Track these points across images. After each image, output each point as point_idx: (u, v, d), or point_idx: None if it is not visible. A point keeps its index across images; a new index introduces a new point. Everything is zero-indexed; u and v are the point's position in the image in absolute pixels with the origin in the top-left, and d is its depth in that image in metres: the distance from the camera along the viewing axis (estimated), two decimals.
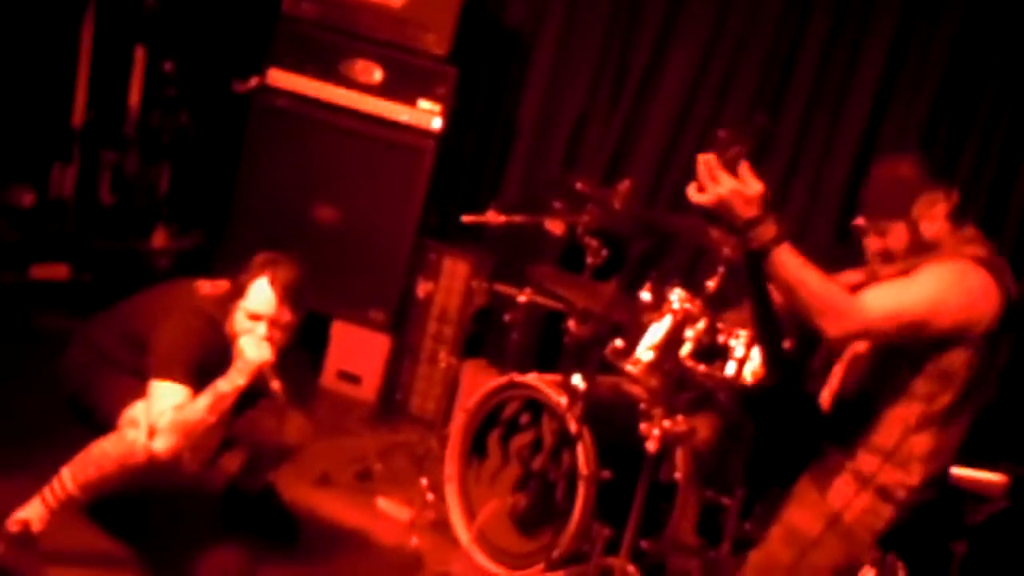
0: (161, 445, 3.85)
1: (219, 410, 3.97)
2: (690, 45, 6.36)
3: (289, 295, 4.08)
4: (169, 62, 6.79)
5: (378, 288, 6.33)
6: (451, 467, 4.99)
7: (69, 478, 3.90)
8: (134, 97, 6.89)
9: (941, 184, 3.49)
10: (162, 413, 3.87)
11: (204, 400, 3.93)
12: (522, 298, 5.33)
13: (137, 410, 3.92)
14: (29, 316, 6.07)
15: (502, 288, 5.72)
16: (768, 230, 3.20)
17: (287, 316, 4.10)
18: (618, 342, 4.34)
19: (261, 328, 4.05)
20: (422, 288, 6.31)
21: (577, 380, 4.52)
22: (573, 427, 4.51)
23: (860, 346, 3.65)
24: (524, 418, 4.93)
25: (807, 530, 3.59)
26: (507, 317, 5.45)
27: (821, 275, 3.25)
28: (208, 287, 4.23)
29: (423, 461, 5.43)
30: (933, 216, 3.47)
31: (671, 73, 6.41)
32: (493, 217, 5.19)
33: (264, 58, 6.36)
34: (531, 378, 4.79)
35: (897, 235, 3.50)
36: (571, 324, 4.99)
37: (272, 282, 4.06)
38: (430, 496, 5.12)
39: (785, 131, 6.12)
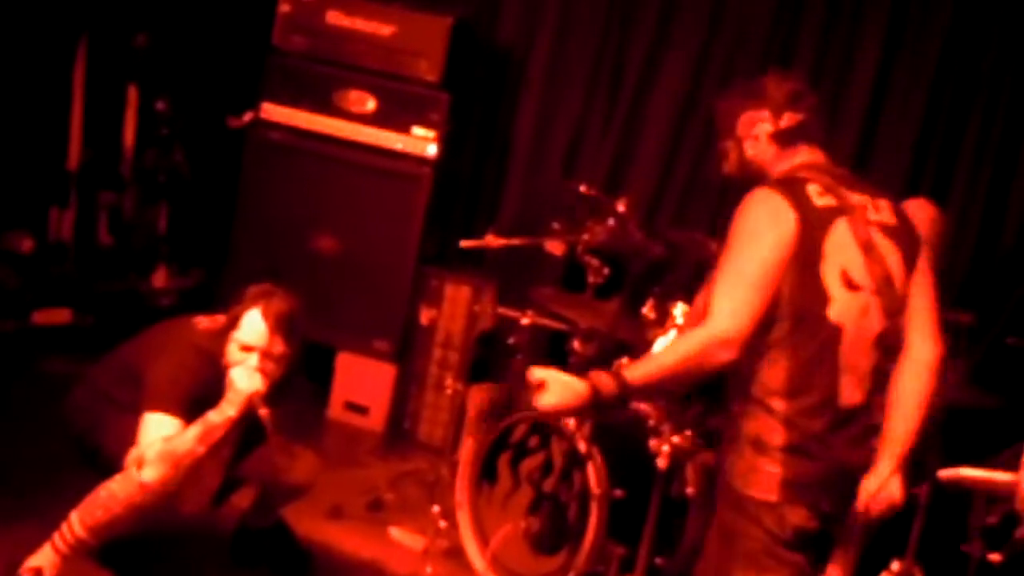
0: (149, 475, 3.84)
1: (209, 441, 3.96)
2: (683, 57, 6.36)
3: (281, 326, 4.07)
4: (162, 101, 6.79)
5: (381, 317, 6.32)
6: (462, 493, 4.98)
7: (78, 522, 3.89)
8: (128, 137, 6.90)
9: (766, 104, 3.39)
10: (151, 444, 3.86)
11: (194, 431, 3.92)
12: (525, 320, 5.32)
13: (143, 448, 3.92)
14: (33, 361, 6.06)
15: (505, 311, 5.71)
16: (608, 389, 3.10)
17: (279, 347, 4.08)
18: (624, 360, 4.33)
19: (253, 359, 4.04)
20: (425, 315, 6.30)
21: None
22: (582, 447, 4.50)
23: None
24: (533, 441, 4.92)
25: (727, 522, 3.36)
26: (511, 340, 5.44)
27: (671, 348, 3.23)
28: (206, 322, 4.23)
29: (434, 489, 5.41)
30: (756, 136, 3.40)
31: (665, 86, 6.42)
32: (492, 241, 5.17)
33: (257, 93, 6.38)
34: None
35: (731, 157, 3.47)
36: (576, 344, 4.98)
37: (264, 314, 4.06)
38: (443, 523, 5.09)
39: None
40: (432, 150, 6.20)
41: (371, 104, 6.25)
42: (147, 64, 6.78)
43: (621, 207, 4.97)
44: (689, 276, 6.03)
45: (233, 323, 4.10)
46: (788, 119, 3.37)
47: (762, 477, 3.21)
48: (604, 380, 3.09)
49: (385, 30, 6.25)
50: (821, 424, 3.20)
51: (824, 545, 3.42)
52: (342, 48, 6.31)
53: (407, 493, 5.60)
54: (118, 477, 3.90)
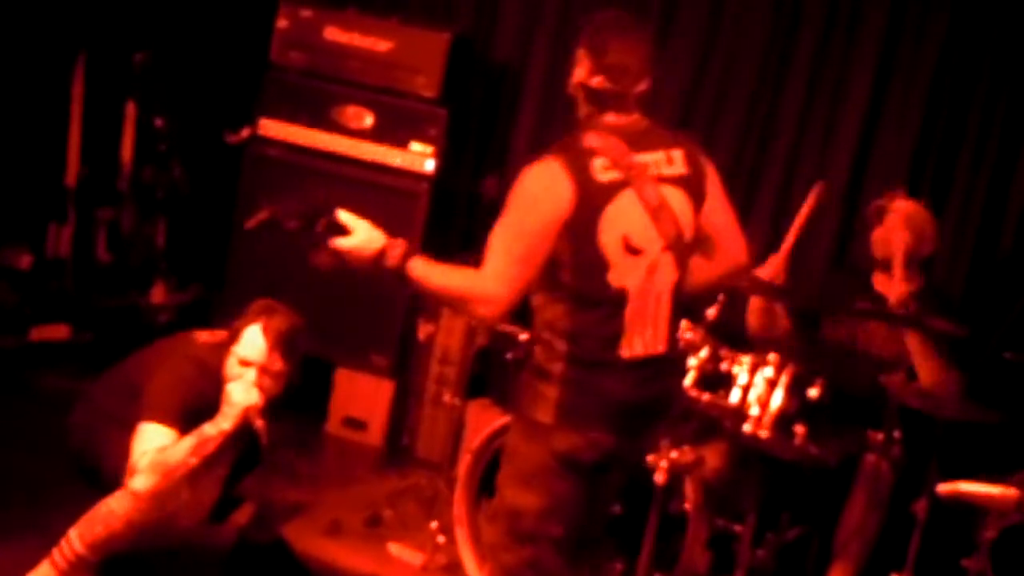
0: (139, 484, 3.85)
1: (203, 453, 3.97)
2: (678, 71, 6.36)
3: (280, 343, 4.10)
4: (160, 117, 6.79)
5: (379, 333, 6.32)
6: (461, 509, 4.97)
7: (77, 538, 3.89)
8: (127, 153, 6.90)
9: (592, 56, 3.45)
10: (144, 453, 3.87)
11: (187, 442, 3.94)
12: (523, 336, 5.32)
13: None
14: (31, 378, 6.06)
15: (503, 327, 5.70)
16: (394, 256, 3.46)
17: (277, 364, 4.11)
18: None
19: (250, 374, 4.06)
20: (423, 330, 6.30)
21: None
22: None
23: None
24: None
25: (511, 445, 3.56)
26: (509, 355, 5.43)
27: (447, 271, 3.40)
28: (206, 336, 4.25)
29: (433, 504, 5.41)
30: (575, 76, 3.49)
31: (660, 100, 6.41)
32: None
33: (255, 108, 6.39)
34: None
35: (572, 74, 3.52)
36: None
37: (264, 330, 4.09)
38: (441, 539, 5.09)
39: (777, 153, 6.15)
40: (430, 165, 6.21)
41: (369, 120, 6.26)
42: (145, 80, 6.78)
43: None
44: None
45: (234, 337, 4.13)
46: (599, 82, 3.43)
47: (541, 402, 3.39)
48: (394, 252, 3.45)
49: (383, 46, 6.27)
50: (602, 368, 3.39)
51: (608, 479, 3.60)
52: (340, 64, 6.32)
53: (406, 509, 5.58)
54: (117, 494, 3.90)
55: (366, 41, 6.31)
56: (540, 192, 3.32)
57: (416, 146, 6.21)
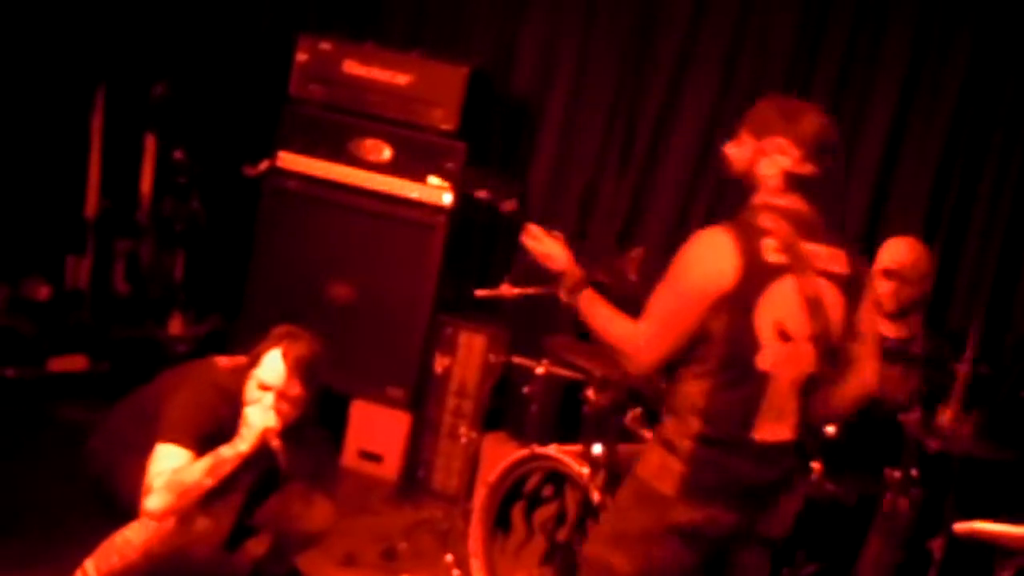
0: (153, 504, 3.85)
1: (218, 475, 3.97)
2: (697, 105, 6.38)
3: (300, 369, 4.10)
4: (179, 150, 6.82)
5: (396, 365, 6.32)
6: (476, 542, 4.97)
7: (93, 569, 3.90)
8: (146, 186, 6.93)
9: (801, 145, 3.41)
10: (159, 474, 3.87)
11: (204, 463, 3.93)
12: (540, 369, 5.32)
13: None
14: (49, 408, 6.07)
15: (519, 360, 5.71)
16: (569, 281, 3.55)
17: (296, 390, 4.11)
18: (637, 409, 4.33)
19: (268, 398, 4.06)
20: (439, 363, 6.30)
21: (598, 449, 4.51)
22: (596, 497, 4.49)
23: None
24: (547, 490, 4.92)
25: (621, 502, 3.58)
26: (526, 389, 5.43)
27: (611, 317, 3.43)
28: (225, 361, 4.25)
29: (448, 537, 5.40)
30: (774, 162, 3.44)
31: (680, 133, 6.44)
32: (507, 290, 5.19)
33: (273, 141, 6.41)
34: (552, 449, 4.77)
35: (744, 150, 3.51)
36: (590, 393, 4.97)
37: (285, 354, 4.09)
38: (456, 573, 5.09)
39: None
40: (448, 199, 6.22)
41: (387, 153, 6.28)
42: (164, 113, 6.82)
43: (635, 257, 4.99)
44: None
45: (254, 361, 4.13)
46: (807, 169, 3.42)
47: (665, 474, 3.39)
48: (571, 280, 3.55)
49: (401, 79, 6.29)
50: (731, 449, 3.39)
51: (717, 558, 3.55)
52: (358, 97, 6.34)
53: (421, 542, 5.58)
54: (134, 524, 3.91)
55: (385, 74, 6.33)
56: (705, 260, 3.32)
57: (434, 179, 6.22)
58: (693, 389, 3.38)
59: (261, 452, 4.08)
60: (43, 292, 6.51)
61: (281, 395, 4.08)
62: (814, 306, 3.36)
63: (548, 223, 6.55)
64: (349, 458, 6.42)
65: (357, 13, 7.03)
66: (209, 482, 3.95)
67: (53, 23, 6.46)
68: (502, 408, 6.35)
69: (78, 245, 6.74)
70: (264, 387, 4.08)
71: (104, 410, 4.40)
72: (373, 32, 6.75)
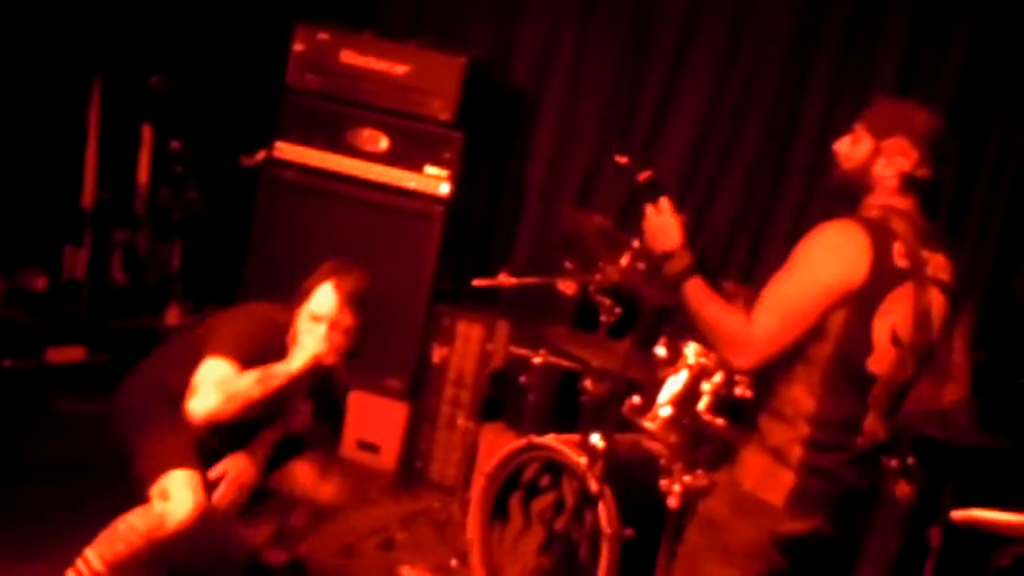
0: (199, 404, 3.88)
1: (267, 388, 3.97)
2: (695, 93, 6.40)
3: (351, 300, 4.18)
4: (176, 140, 6.81)
5: (393, 356, 6.32)
6: (473, 532, 4.97)
7: (96, 557, 3.89)
8: (143, 176, 6.92)
9: (921, 145, 3.39)
10: (206, 380, 3.91)
11: (253, 374, 3.96)
12: (537, 359, 5.32)
13: (168, 480, 3.92)
14: (47, 399, 6.07)
15: (517, 350, 5.71)
16: (678, 263, 3.38)
17: (348, 320, 4.17)
18: (635, 399, 4.33)
19: (321, 329, 4.11)
20: (437, 353, 6.31)
21: (596, 439, 4.51)
22: (594, 486, 4.49)
23: None
24: (544, 480, 4.91)
25: (717, 514, 3.45)
26: (523, 379, 5.44)
27: (722, 307, 3.31)
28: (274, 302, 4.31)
29: (446, 527, 5.41)
30: (892, 163, 3.40)
31: (677, 125, 6.46)
32: (505, 280, 5.20)
33: (270, 131, 6.40)
34: (549, 439, 4.77)
35: (860, 149, 3.46)
36: (587, 383, 4.98)
37: (336, 286, 4.18)
38: (454, 562, 5.09)
39: (795, 169, 6.17)
40: (445, 189, 6.22)
41: (384, 143, 6.27)
42: (161, 103, 6.81)
43: (636, 244, 5.00)
44: None
45: (305, 295, 4.19)
46: (923, 172, 3.39)
47: (773, 483, 3.30)
48: (681, 261, 3.38)
49: (399, 69, 6.28)
50: (840, 453, 3.30)
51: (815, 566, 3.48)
52: (355, 87, 6.34)
53: (419, 532, 5.59)
54: (139, 510, 3.90)
55: (382, 64, 6.32)
56: (839, 253, 3.25)
57: (431, 169, 6.22)
58: (800, 390, 3.31)
59: (306, 382, 4.15)
60: (40, 283, 6.51)
61: (334, 325, 4.14)
62: (924, 316, 3.32)
63: (545, 213, 6.69)
64: (347, 449, 6.42)
65: (355, 3, 7.04)
66: (256, 392, 3.95)
67: (50, 15, 6.45)
68: (500, 398, 6.35)
69: (75, 236, 6.73)
70: (316, 318, 4.13)
71: (102, 401, 4.39)
72: (371, 22, 6.74)
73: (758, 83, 6.28)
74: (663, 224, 3.48)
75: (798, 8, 6.16)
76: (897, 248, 3.26)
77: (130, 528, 3.88)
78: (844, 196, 3.47)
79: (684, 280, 3.35)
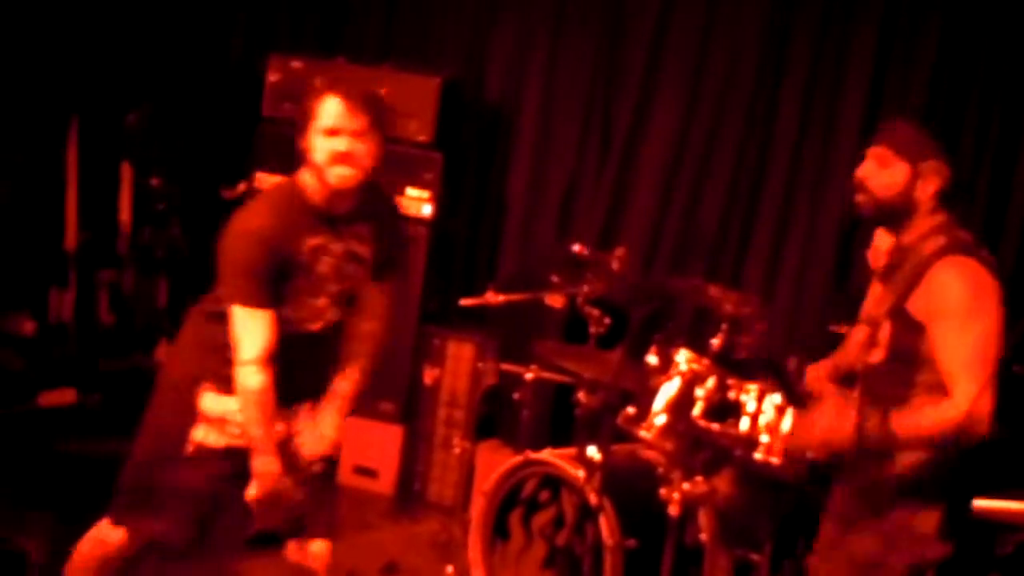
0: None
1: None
2: (670, 106, 6.40)
3: (357, 100, 3.83)
4: (156, 177, 6.81)
5: (385, 379, 6.29)
6: (475, 552, 4.97)
7: None
8: (124, 215, 6.91)
9: (950, 167, 3.59)
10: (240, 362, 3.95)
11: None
12: (529, 375, 5.32)
13: None
14: (47, 442, 6.05)
15: (508, 367, 5.70)
16: (875, 432, 3.46)
17: (363, 121, 3.82)
18: (630, 409, 4.33)
19: (341, 143, 3.79)
20: (429, 375, 6.31)
21: (592, 451, 4.51)
22: (593, 499, 4.48)
23: (875, 357, 3.68)
24: (543, 495, 4.91)
25: (871, 554, 3.66)
26: (516, 395, 5.43)
27: (913, 414, 3.49)
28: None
29: (447, 548, 5.40)
30: (929, 183, 3.56)
31: (654, 136, 6.45)
32: (492, 298, 5.20)
33: (249, 162, 6.40)
34: (546, 454, 4.78)
35: (896, 174, 3.58)
36: (581, 396, 4.98)
37: (336, 93, 3.83)
38: None
39: (773, 182, 6.17)
40: (427, 210, 6.23)
41: None
42: (139, 141, 6.80)
43: (616, 261, 5.01)
44: (689, 322, 6.06)
45: (307, 118, 3.86)
46: (951, 188, 3.59)
47: (924, 518, 3.61)
48: (872, 420, 3.45)
49: None
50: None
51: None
52: None
53: (420, 554, 5.58)
54: (87, 535, 3.95)
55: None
56: (995, 300, 3.45)
57: (413, 191, 6.22)
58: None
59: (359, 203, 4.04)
60: (28, 327, 6.49)
61: (353, 134, 3.81)
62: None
63: (528, 229, 6.68)
64: (344, 475, 6.40)
65: (326, 31, 7.04)
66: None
67: (22, 58, 6.44)
68: (494, 416, 6.35)
69: (60, 278, 6.71)
70: (333, 132, 3.80)
71: (100, 442, 4.39)
72: (343, 48, 6.75)
73: (732, 89, 6.28)
74: (823, 423, 3.63)
75: (768, 7, 6.17)
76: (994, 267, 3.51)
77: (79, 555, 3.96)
78: (882, 221, 3.60)
79: (886, 439, 3.47)
